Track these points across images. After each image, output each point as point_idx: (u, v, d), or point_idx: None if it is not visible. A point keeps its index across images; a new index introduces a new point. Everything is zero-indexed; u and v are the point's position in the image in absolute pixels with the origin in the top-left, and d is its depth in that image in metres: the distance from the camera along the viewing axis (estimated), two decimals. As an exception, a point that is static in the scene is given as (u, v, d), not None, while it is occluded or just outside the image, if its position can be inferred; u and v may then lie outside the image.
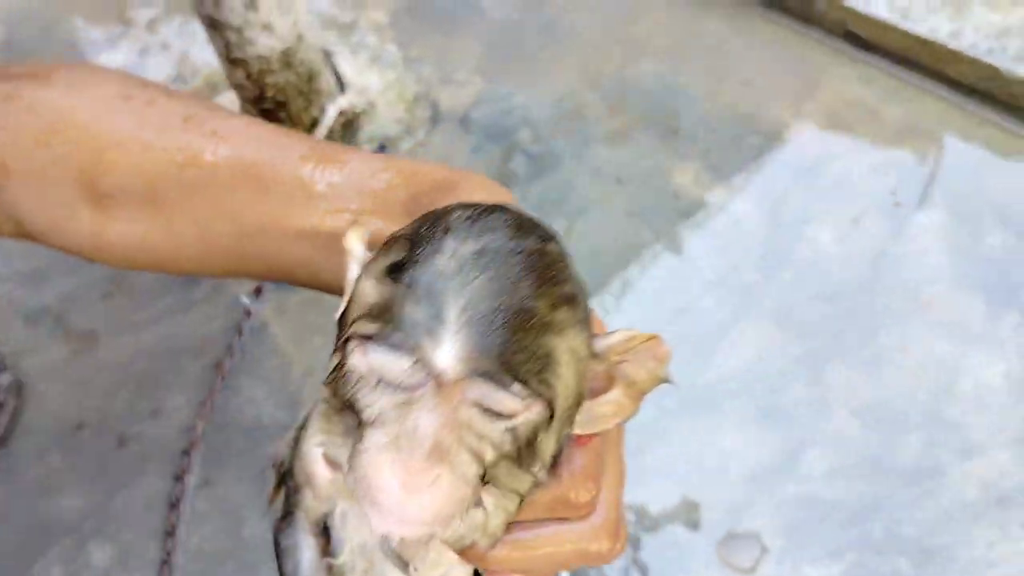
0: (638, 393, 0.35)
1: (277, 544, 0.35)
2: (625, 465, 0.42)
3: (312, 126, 1.03)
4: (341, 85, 1.06)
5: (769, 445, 0.84)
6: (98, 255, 0.55)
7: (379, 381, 0.29)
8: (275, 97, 1.00)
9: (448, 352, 0.29)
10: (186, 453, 0.89)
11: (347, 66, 1.12)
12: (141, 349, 0.97)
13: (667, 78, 1.08)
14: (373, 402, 0.29)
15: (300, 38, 0.98)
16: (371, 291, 0.30)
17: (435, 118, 1.09)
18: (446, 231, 0.31)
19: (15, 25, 1.27)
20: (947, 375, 0.85)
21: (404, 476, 0.29)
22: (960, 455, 0.82)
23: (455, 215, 0.32)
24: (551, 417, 0.31)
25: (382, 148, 1.06)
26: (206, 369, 0.94)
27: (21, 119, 0.53)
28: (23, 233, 0.56)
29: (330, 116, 1.03)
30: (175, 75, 1.17)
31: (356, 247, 0.36)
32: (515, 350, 0.29)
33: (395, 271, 0.30)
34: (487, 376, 0.29)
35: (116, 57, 1.21)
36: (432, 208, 0.46)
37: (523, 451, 0.31)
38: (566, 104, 1.08)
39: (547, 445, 0.32)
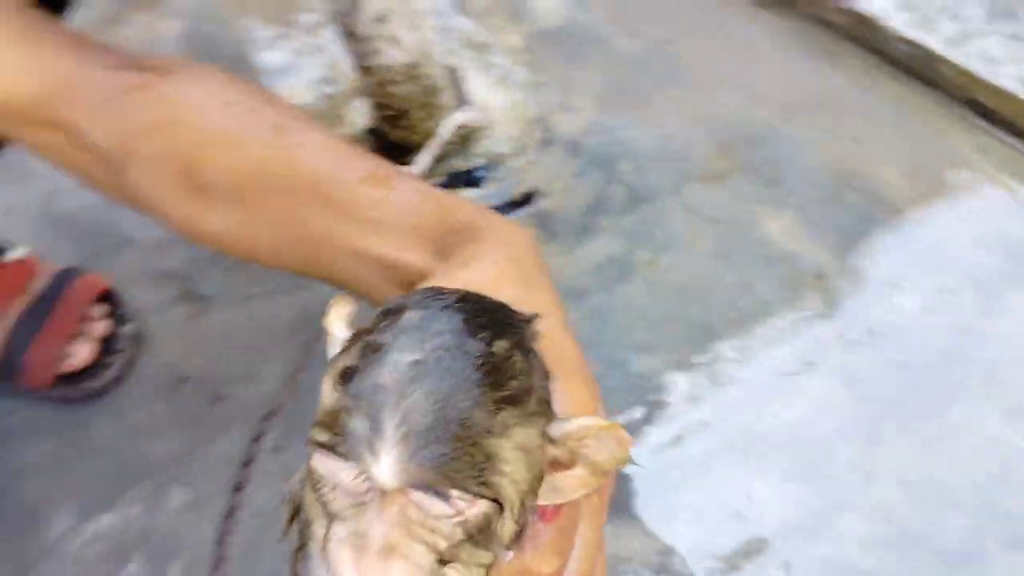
0: (600, 473, 0.36)
1: (294, 573, 0.38)
2: (601, 534, 0.43)
3: (429, 137, 1.08)
4: (464, 101, 1.10)
5: (808, 502, 0.81)
6: (192, 238, 0.60)
7: (335, 484, 0.32)
8: (397, 106, 1.05)
9: (386, 465, 0.30)
10: (266, 419, 0.95)
11: (475, 83, 1.17)
12: (249, 319, 1.04)
13: (777, 127, 1.07)
14: (333, 499, 0.32)
15: (426, 54, 1.03)
16: (327, 396, 0.33)
17: (547, 141, 1.11)
18: (394, 337, 0.32)
19: (196, 20, 1.38)
20: (1009, 462, 0.80)
21: (360, 569, 0.32)
22: (1008, 545, 0.77)
23: (406, 317, 0.33)
24: (502, 508, 0.33)
25: (491, 164, 1.09)
26: (301, 346, 1.00)
27: (146, 109, 0.58)
28: (141, 208, 0.62)
29: (447, 129, 1.07)
30: (324, 77, 1.24)
31: (336, 328, 0.38)
32: (451, 459, 0.31)
33: (346, 379, 0.32)
34: (423, 487, 0.31)
35: (275, 56, 1.29)
36: (454, 251, 0.48)
37: (478, 536, 0.32)
38: (673, 141, 1.08)
39: (504, 528, 0.33)
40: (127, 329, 1.02)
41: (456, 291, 0.35)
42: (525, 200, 1.06)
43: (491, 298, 0.36)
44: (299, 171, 0.54)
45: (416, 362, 0.31)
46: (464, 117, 1.08)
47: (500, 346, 0.33)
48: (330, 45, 1.28)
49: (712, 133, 1.08)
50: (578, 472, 0.36)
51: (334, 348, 0.36)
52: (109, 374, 1.00)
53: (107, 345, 1.01)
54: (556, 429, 0.35)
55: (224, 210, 0.57)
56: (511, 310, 0.36)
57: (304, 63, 1.28)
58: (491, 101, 1.15)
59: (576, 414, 0.37)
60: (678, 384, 0.90)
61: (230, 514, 0.90)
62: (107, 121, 0.57)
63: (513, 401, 0.33)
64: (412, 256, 0.51)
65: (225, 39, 1.34)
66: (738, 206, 1.01)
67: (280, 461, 0.92)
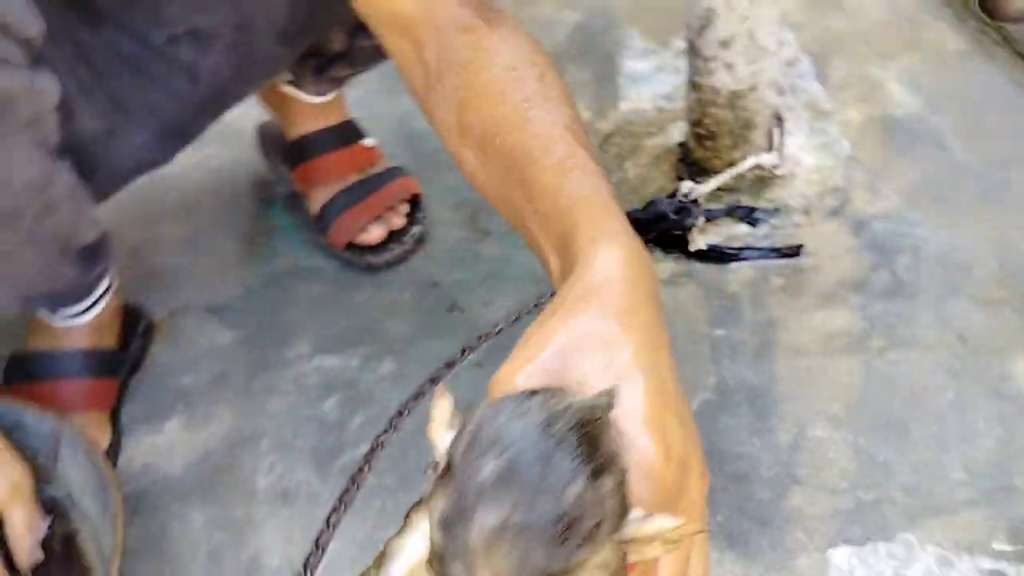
0: (673, 544, 0.41)
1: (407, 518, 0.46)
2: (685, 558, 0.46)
3: (729, 165, 1.12)
4: (773, 146, 1.13)
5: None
6: (458, 167, 0.69)
7: None
8: (709, 127, 1.11)
9: None
10: (480, 339, 1.05)
11: (795, 138, 1.19)
12: (507, 260, 1.14)
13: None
14: None
15: (753, 88, 1.07)
16: (435, 534, 0.40)
17: (836, 211, 1.11)
18: (478, 497, 0.38)
19: (590, 16, 1.52)
20: None
21: None
22: None
23: (489, 471, 0.38)
24: None
25: (774, 211, 1.11)
26: (536, 296, 1.08)
27: (463, 48, 0.65)
28: (433, 127, 0.69)
29: (745, 165, 1.11)
30: (667, 94, 1.33)
31: (439, 437, 0.43)
32: None
33: (444, 528, 0.39)
34: None
35: (639, 65, 1.40)
36: (564, 275, 0.51)
37: None
38: (961, 253, 1.03)
39: None
40: (415, 230, 1.17)
41: (539, 411, 0.40)
42: (789, 253, 1.06)
43: (572, 410, 0.40)
44: (520, 142, 0.59)
45: (500, 524, 0.37)
46: (766, 160, 1.11)
47: (574, 491, 0.38)
48: (685, 70, 1.36)
49: (1005, 260, 1.01)
50: (656, 544, 0.41)
51: (438, 453, 0.42)
52: (386, 257, 1.15)
53: (395, 235, 1.16)
54: (628, 533, 0.40)
55: (473, 152, 0.63)
56: (589, 415, 0.40)
57: (658, 78, 1.37)
58: (801, 158, 1.17)
59: (648, 491, 0.42)
60: (846, 462, 0.87)
61: (416, 397, 1.01)
62: (438, 47, 0.66)
63: (588, 538, 0.38)
64: (549, 256, 0.55)
65: (605, 39, 1.46)
66: (995, 336, 0.95)
67: (476, 378, 1.01)
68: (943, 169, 1.14)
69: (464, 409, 0.43)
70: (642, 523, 0.40)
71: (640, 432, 0.44)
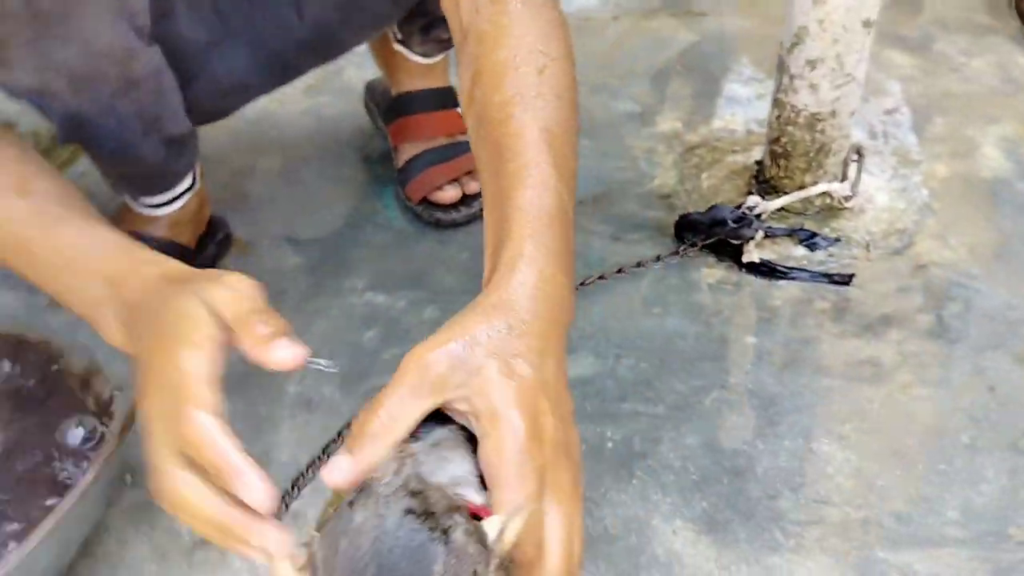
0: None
1: None
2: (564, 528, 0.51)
3: (799, 188, 1.12)
4: (846, 177, 1.13)
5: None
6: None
7: None
8: (785, 145, 1.11)
9: None
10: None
11: (874, 178, 1.18)
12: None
13: None
14: None
15: (834, 114, 1.07)
16: None
17: (898, 251, 1.10)
18: None
19: (705, 38, 1.54)
20: None
21: None
22: None
23: None
24: None
25: (835, 240, 1.10)
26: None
27: (486, 19, 0.68)
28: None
29: (814, 190, 1.11)
30: (760, 119, 1.34)
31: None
32: None
33: None
34: None
35: (740, 89, 1.41)
36: (491, 279, 0.58)
37: None
38: (1015, 313, 1.01)
39: None
40: (470, 209, 1.21)
41: (371, 521, 0.44)
42: (839, 280, 1.06)
43: (394, 497, 0.45)
44: (496, 138, 0.62)
45: None
46: (836, 189, 1.11)
47: (440, 569, 0.41)
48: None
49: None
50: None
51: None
52: (454, 217, 1.20)
53: (467, 199, 1.21)
54: (499, 553, 0.44)
55: (472, 124, 0.67)
56: (412, 488, 0.45)
57: (756, 104, 1.38)
58: (875, 196, 1.16)
59: (516, 463, 0.49)
60: (843, 479, 0.86)
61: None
62: (469, 9, 0.69)
63: None
64: (487, 256, 0.61)
65: (714, 62, 1.49)
66: (1030, 391, 0.92)
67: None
68: (1018, 232, 1.12)
69: (304, 545, 0.47)
70: (503, 536, 0.45)
71: (513, 412, 0.51)
